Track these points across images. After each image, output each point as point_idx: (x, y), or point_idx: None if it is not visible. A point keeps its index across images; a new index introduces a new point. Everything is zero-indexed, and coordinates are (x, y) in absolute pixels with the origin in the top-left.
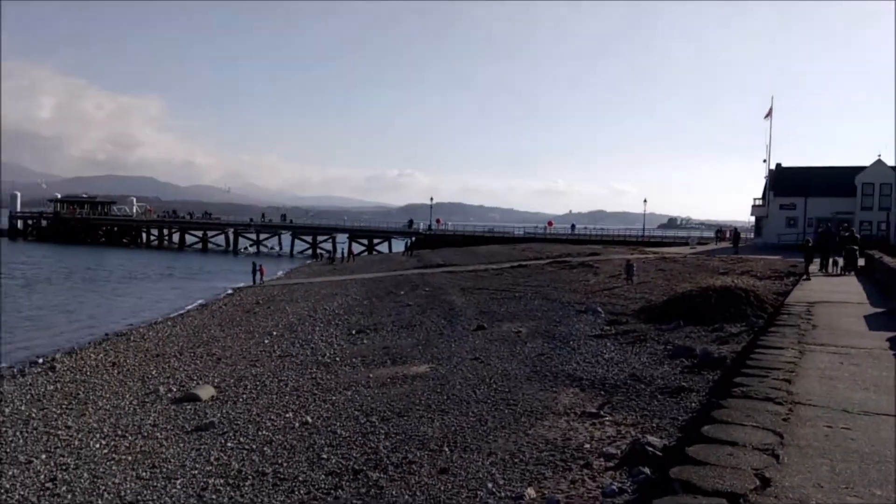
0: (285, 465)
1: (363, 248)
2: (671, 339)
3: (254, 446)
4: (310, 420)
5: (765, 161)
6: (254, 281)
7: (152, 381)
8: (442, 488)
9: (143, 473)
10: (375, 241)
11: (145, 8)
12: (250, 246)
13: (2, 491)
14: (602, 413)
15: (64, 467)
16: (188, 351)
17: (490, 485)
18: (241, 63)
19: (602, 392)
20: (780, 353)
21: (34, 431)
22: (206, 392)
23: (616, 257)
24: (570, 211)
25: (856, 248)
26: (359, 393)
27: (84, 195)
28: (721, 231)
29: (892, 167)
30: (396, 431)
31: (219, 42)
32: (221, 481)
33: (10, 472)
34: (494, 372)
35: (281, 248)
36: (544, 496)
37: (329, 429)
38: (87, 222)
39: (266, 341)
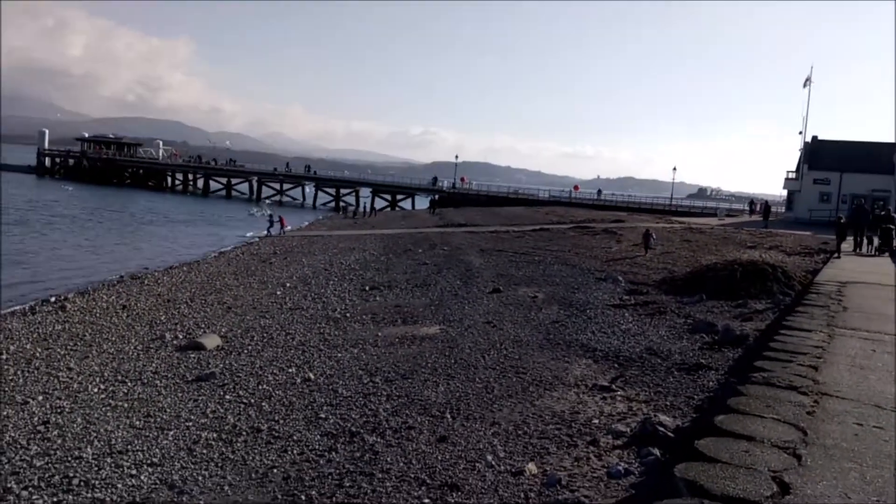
0: (282, 422)
1: (386, 203)
2: (692, 313)
3: (252, 400)
4: (312, 377)
5: (800, 133)
6: (268, 232)
7: (160, 327)
8: (439, 457)
9: (137, 422)
10: (399, 197)
11: None
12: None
13: None
14: (614, 387)
15: (59, 410)
16: (200, 298)
17: (490, 457)
18: (269, 10)
19: (616, 365)
20: (807, 335)
21: (35, 371)
22: (211, 341)
23: (641, 225)
24: (599, 176)
25: (892, 227)
26: (365, 351)
27: (111, 136)
28: (754, 203)
29: None
30: (399, 394)
31: None
32: (214, 435)
33: (5, 413)
34: (506, 337)
35: (304, 200)
36: (545, 473)
37: (331, 387)
38: (112, 163)
39: (278, 293)
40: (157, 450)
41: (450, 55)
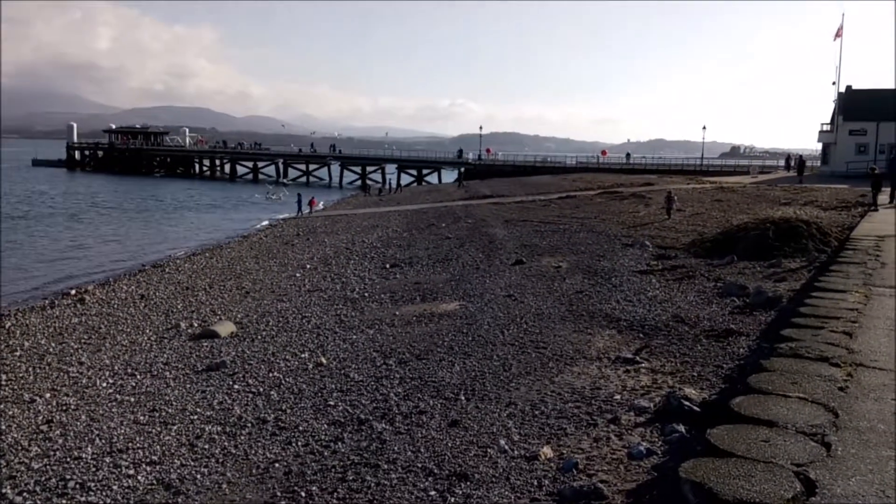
0: (289, 411)
1: (412, 178)
2: (722, 276)
3: (261, 389)
4: (324, 361)
5: (834, 83)
6: (299, 211)
7: (176, 316)
8: (449, 444)
9: (142, 417)
10: (425, 171)
11: None
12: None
13: None
14: (638, 359)
15: (64, 408)
16: (218, 284)
17: (503, 441)
18: None
19: (641, 335)
20: (842, 297)
21: (46, 367)
22: (225, 329)
23: (671, 187)
24: (629, 140)
25: None
26: (381, 332)
27: (137, 126)
28: (790, 158)
29: None
30: (412, 376)
31: None
32: (219, 428)
33: (11, 412)
34: (527, 311)
35: (330, 179)
36: (562, 456)
37: (343, 372)
38: (139, 153)
39: (298, 275)
40: (157, 446)
41: (476, 24)
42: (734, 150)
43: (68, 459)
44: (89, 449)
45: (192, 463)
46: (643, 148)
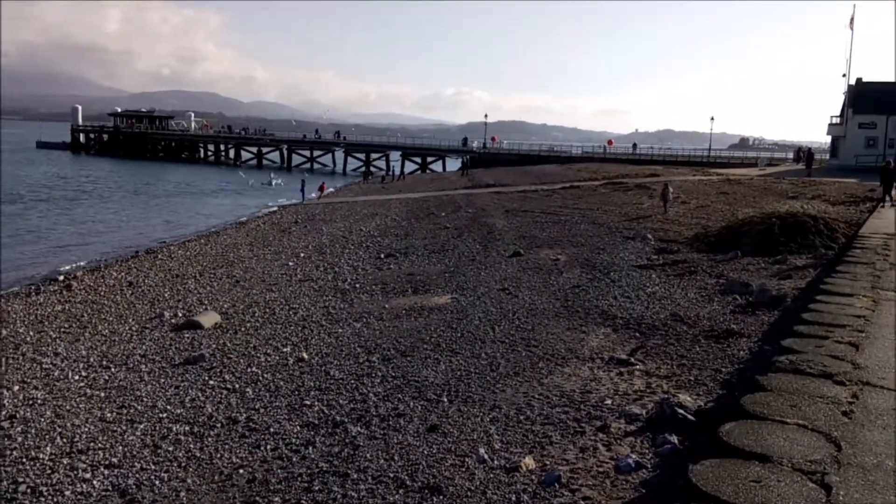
0: (262, 410)
1: (417, 166)
2: (725, 272)
3: (237, 385)
4: (306, 357)
5: (844, 76)
6: (303, 197)
7: (161, 305)
8: (425, 452)
9: (109, 414)
10: (429, 159)
11: None
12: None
13: None
14: (633, 360)
15: (31, 402)
16: (209, 272)
17: (482, 450)
18: None
19: (637, 334)
20: (848, 301)
21: (21, 358)
22: (209, 319)
23: (676, 179)
24: (637, 130)
25: None
26: (368, 326)
27: (143, 110)
28: (801, 151)
29: None
30: (395, 374)
31: None
32: (187, 428)
33: None
34: (520, 306)
35: (335, 166)
36: (544, 468)
37: (323, 368)
38: (144, 136)
39: (291, 263)
40: (120, 447)
41: (483, 13)
42: (743, 142)
43: (24, 460)
44: (48, 449)
45: (153, 467)
46: (651, 138)
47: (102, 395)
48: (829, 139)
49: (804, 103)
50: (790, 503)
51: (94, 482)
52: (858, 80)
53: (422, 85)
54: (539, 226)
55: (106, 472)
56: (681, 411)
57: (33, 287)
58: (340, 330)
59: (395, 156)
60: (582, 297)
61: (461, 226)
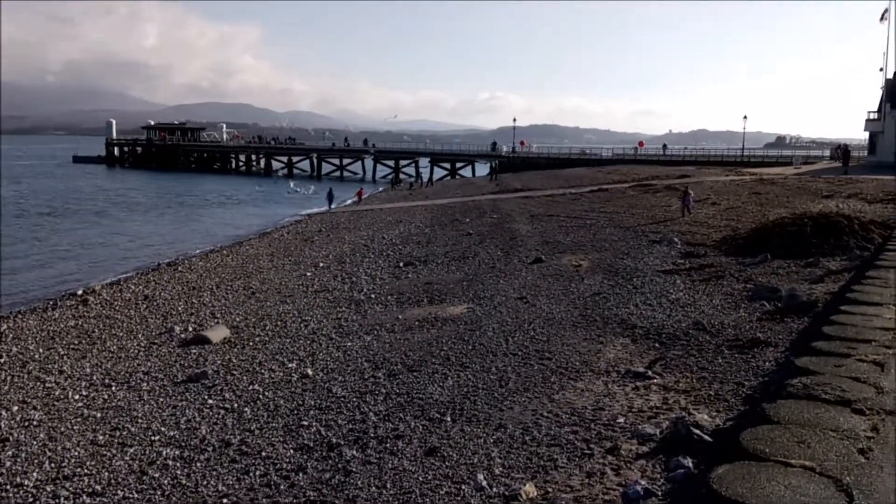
0: (258, 432)
1: (446, 172)
2: (754, 276)
3: (236, 405)
4: (310, 373)
5: (881, 70)
6: (329, 206)
7: (173, 319)
8: (421, 478)
9: (101, 437)
10: (458, 165)
11: None
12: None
13: None
14: (650, 373)
15: (27, 423)
16: (226, 284)
17: (481, 476)
18: None
19: (656, 344)
20: (876, 312)
21: (25, 377)
22: (218, 334)
23: (708, 179)
24: (670, 131)
25: None
26: (378, 338)
27: (175, 122)
28: (839, 149)
29: None
30: (399, 391)
31: None
32: (177, 453)
33: None
34: (537, 315)
35: (364, 173)
36: (546, 496)
37: (326, 385)
38: (176, 148)
39: (308, 274)
40: (106, 473)
41: (516, 18)
42: (779, 141)
43: (8, 487)
44: (35, 474)
45: (136, 495)
46: (685, 139)
47: (98, 415)
48: (867, 135)
49: (842, 99)
50: None
51: None
52: None
53: (455, 91)
54: (563, 230)
55: (87, 500)
56: (696, 431)
57: (51, 302)
58: (349, 343)
59: (424, 162)
60: (602, 305)
61: (484, 232)
